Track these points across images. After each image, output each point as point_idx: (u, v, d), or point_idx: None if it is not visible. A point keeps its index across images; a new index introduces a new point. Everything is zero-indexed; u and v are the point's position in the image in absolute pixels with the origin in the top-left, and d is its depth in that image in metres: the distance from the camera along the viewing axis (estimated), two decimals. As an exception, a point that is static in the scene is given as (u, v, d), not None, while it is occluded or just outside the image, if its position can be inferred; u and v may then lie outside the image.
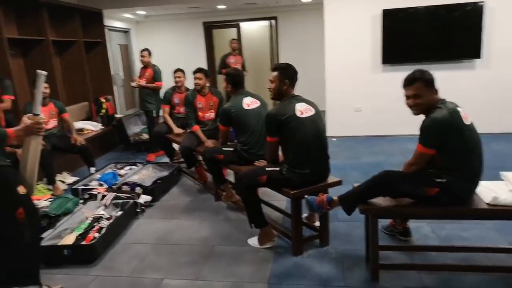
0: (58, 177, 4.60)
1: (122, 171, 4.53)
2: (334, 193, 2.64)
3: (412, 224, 2.95)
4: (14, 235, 2.24)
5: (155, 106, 5.50)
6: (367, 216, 2.49)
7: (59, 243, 2.92)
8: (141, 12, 8.13)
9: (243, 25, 9.01)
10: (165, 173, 4.44)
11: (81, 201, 3.61)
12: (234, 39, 7.36)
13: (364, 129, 6.17)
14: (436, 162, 2.25)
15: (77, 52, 5.97)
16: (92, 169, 4.55)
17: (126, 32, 8.67)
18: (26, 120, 2.28)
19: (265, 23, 9.00)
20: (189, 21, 8.84)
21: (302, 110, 2.70)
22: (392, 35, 5.80)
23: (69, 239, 2.97)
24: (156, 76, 5.47)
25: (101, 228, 3.07)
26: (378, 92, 5.97)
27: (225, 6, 7.93)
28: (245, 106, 3.34)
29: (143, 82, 5.42)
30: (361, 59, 6.01)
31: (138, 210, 3.62)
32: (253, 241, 2.96)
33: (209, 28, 8.99)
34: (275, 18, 8.58)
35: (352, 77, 6.07)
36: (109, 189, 3.85)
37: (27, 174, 2.38)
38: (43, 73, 2.41)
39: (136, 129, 6.31)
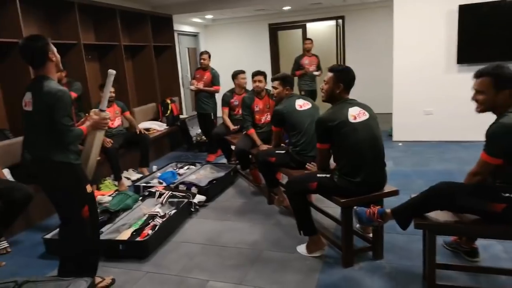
0: (124, 174, 4.89)
1: (181, 171, 4.67)
2: (394, 203, 2.45)
3: (480, 241, 2.64)
4: (78, 231, 2.38)
5: (212, 108, 5.62)
6: (424, 231, 2.26)
7: (116, 238, 3.08)
8: (209, 16, 8.37)
9: (309, 26, 8.87)
10: (221, 173, 4.50)
11: (140, 198, 3.77)
12: (307, 39, 6.89)
13: (435, 133, 5.72)
14: (504, 174, 1.97)
15: (147, 56, 6.30)
16: (154, 167, 4.76)
17: (195, 36, 8.99)
18: (94, 115, 2.45)
19: (332, 22, 8.78)
20: (255, 24, 8.93)
21: (355, 114, 2.55)
22: (470, 32, 5.29)
23: (125, 235, 3.11)
24: (215, 80, 5.57)
25: (155, 225, 3.18)
26: (453, 94, 5.48)
27: (290, 7, 7.87)
28: (298, 107, 3.28)
29: (201, 85, 5.54)
30: (433, 59, 5.57)
31: (192, 210, 3.69)
32: (302, 249, 2.86)
33: (274, 30, 9.00)
34: (342, 17, 8.33)
35: (423, 78, 5.65)
36: (167, 188, 3.98)
37: (89, 164, 2.54)
38: (113, 72, 2.55)
39: (198, 130, 6.49)
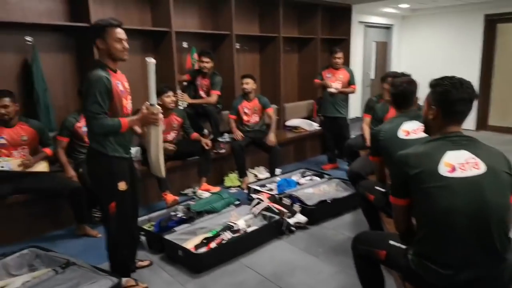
0: (255, 170, 4.73)
1: (302, 180, 4.13)
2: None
3: None
4: (106, 224, 2.33)
5: (348, 112, 4.98)
6: None
7: (187, 241, 2.89)
8: (404, 6, 7.20)
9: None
10: (347, 194, 3.75)
11: (237, 202, 3.49)
12: None
13: None
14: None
15: (313, 50, 5.88)
16: (278, 171, 4.40)
17: (387, 28, 7.97)
18: (144, 109, 2.27)
19: None
20: (466, 14, 7.21)
21: (455, 164, 1.50)
22: None
23: (196, 240, 2.91)
24: (352, 79, 4.87)
25: (222, 240, 2.85)
26: None
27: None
28: (402, 134, 2.26)
29: (339, 86, 4.77)
30: None
31: (284, 229, 3.18)
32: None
33: (492, 22, 7.04)
34: None
35: None
36: (272, 197, 3.57)
37: (152, 161, 2.43)
38: (151, 61, 2.22)
39: (354, 134, 5.69)
